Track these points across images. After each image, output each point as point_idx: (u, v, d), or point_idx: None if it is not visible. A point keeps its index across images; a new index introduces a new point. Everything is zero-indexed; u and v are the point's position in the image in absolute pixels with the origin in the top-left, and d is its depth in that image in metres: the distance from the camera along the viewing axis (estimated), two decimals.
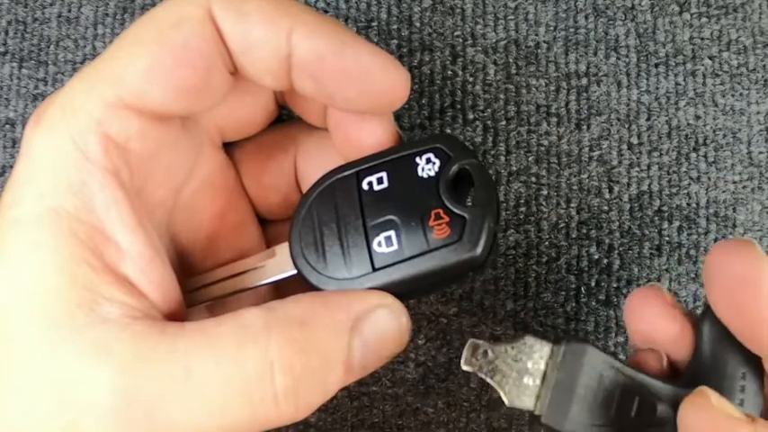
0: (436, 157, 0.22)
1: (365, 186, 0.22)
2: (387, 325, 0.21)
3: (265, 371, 0.19)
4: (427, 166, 0.22)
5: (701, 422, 0.19)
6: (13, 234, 0.20)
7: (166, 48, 0.20)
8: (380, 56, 0.21)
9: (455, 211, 0.21)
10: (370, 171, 0.22)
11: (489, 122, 0.31)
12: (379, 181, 0.22)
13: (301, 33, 0.21)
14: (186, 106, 0.21)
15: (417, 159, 0.22)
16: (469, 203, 0.21)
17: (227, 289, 0.24)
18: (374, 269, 0.21)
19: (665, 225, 0.31)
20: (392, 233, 0.21)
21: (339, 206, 0.22)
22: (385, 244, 0.21)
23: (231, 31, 0.21)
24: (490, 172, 0.22)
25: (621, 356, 0.30)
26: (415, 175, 0.22)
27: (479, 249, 0.21)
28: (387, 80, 0.21)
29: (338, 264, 0.22)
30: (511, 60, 0.32)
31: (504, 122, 0.31)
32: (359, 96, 0.21)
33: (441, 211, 0.21)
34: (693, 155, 0.31)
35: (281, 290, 0.24)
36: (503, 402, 0.22)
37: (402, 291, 0.21)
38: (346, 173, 0.22)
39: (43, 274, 0.19)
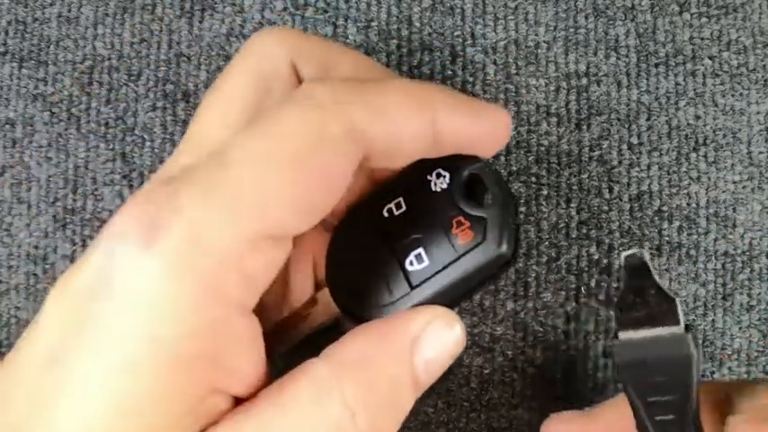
0: (445, 170, 0.22)
1: (386, 214, 0.23)
2: (443, 336, 0.21)
3: (345, 417, 0.19)
4: (438, 180, 0.22)
5: None
6: (116, 369, 0.18)
7: (313, 177, 0.19)
8: (498, 112, 0.22)
9: (474, 214, 0.22)
10: (388, 199, 0.23)
11: None
12: (398, 206, 0.23)
13: (444, 117, 0.21)
14: (315, 223, 0.20)
15: (428, 177, 0.22)
16: (486, 205, 0.22)
17: (279, 344, 0.24)
18: (412, 288, 0.22)
19: (665, 225, 0.31)
20: (421, 250, 0.22)
21: (366, 238, 0.23)
22: (416, 262, 0.22)
23: (378, 137, 0.20)
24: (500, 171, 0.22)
25: None
26: (429, 191, 0.22)
27: (505, 245, 0.21)
28: (505, 130, 0.22)
29: (378, 292, 0.22)
30: (511, 60, 0.32)
31: None
32: (484, 149, 0.22)
33: (461, 217, 0.22)
34: (693, 155, 0.31)
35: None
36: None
37: (444, 301, 0.22)
38: (366, 207, 0.23)
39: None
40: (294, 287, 0.25)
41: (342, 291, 0.23)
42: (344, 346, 0.21)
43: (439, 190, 0.22)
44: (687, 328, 0.22)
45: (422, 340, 0.21)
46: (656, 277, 0.22)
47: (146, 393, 0.17)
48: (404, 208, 0.23)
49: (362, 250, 0.23)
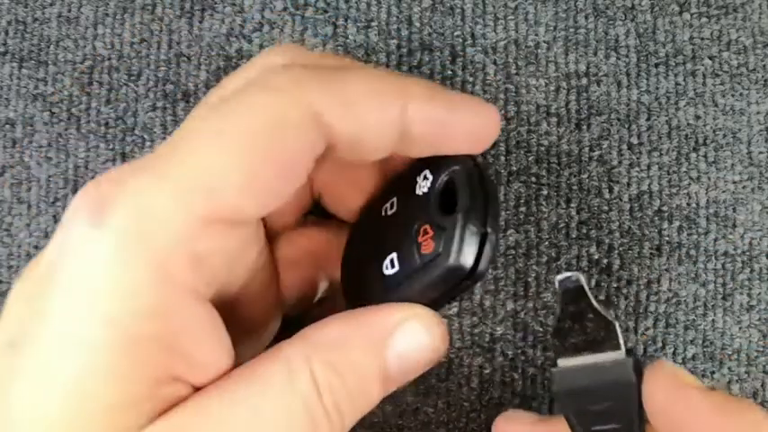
0: (431, 172, 0.21)
1: (383, 213, 0.22)
2: (419, 335, 0.21)
3: (314, 396, 0.19)
4: (423, 183, 0.21)
5: (664, 391, 0.19)
6: (72, 352, 0.17)
7: (267, 161, 0.18)
8: (482, 107, 0.21)
9: (438, 222, 0.20)
10: (385, 198, 0.22)
11: None
12: (392, 206, 0.22)
13: (416, 108, 0.20)
14: (272, 208, 0.20)
15: (417, 178, 0.22)
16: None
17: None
18: (385, 291, 0.21)
19: (665, 225, 0.31)
20: (394, 255, 0.21)
21: (368, 237, 0.23)
22: (390, 266, 0.21)
23: (339, 124, 0.19)
24: (489, 173, 0.22)
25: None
26: (413, 193, 0.22)
27: (462, 258, 0.20)
28: (492, 126, 0.21)
29: (370, 291, 0.22)
30: (511, 60, 0.32)
31: (503, 122, 0.31)
32: (467, 145, 0.21)
33: (427, 225, 0.21)
34: (693, 155, 0.31)
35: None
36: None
37: None
38: (373, 205, 0.23)
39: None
40: (288, 284, 0.25)
41: (348, 288, 0.23)
42: (320, 329, 0.20)
43: (421, 193, 0.21)
44: (628, 352, 0.21)
45: (396, 336, 0.20)
46: (593, 300, 0.21)
47: (101, 376, 0.17)
48: (395, 208, 0.22)
49: (363, 249, 0.23)
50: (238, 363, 0.20)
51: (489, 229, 0.20)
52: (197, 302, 0.19)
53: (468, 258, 0.20)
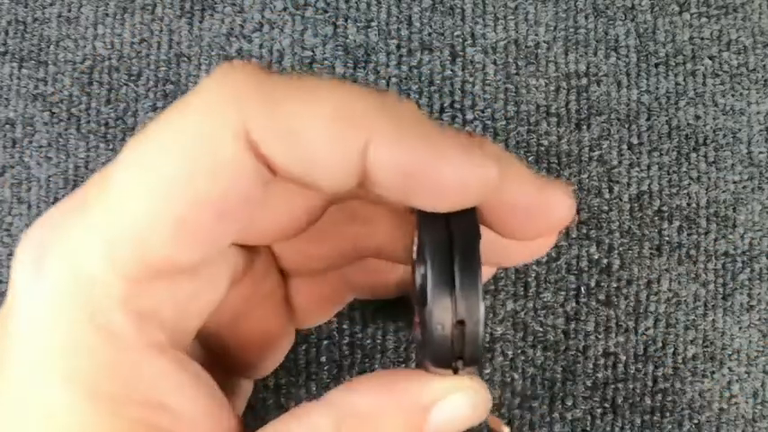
0: (417, 237, 0.19)
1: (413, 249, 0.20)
2: (462, 410, 0.19)
3: None
4: (414, 248, 0.20)
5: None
6: (34, 418, 0.16)
7: (196, 203, 0.16)
8: (472, 152, 0.16)
9: (419, 313, 0.18)
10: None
11: (489, 122, 0.31)
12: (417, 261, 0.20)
13: (380, 149, 0.16)
14: (217, 251, 0.18)
15: (415, 237, 0.19)
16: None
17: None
18: (418, 352, 0.20)
19: (665, 225, 0.31)
20: (416, 320, 0.20)
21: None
22: (417, 328, 0.20)
23: (282, 158, 0.16)
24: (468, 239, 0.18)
25: (622, 356, 0.30)
26: (411, 256, 0.20)
27: (433, 354, 0.18)
28: (486, 182, 0.17)
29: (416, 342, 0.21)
30: (510, 60, 0.32)
31: (503, 122, 0.31)
32: (446, 202, 0.17)
33: (417, 308, 0.19)
34: (693, 155, 0.31)
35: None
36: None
37: None
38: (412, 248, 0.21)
39: None
40: (302, 300, 0.24)
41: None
42: (351, 394, 0.18)
43: (414, 259, 0.19)
44: None
45: (436, 411, 0.18)
46: None
47: None
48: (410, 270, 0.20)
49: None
50: (248, 387, 0.19)
51: (463, 317, 0.17)
52: (157, 355, 0.17)
53: (443, 353, 0.18)
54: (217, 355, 0.22)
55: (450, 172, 0.16)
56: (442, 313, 0.17)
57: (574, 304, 0.30)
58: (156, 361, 0.17)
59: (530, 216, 0.18)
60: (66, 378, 0.16)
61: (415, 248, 0.19)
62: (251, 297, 0.22)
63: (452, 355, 0.18)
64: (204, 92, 0.16)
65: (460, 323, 0.17)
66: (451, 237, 0.17)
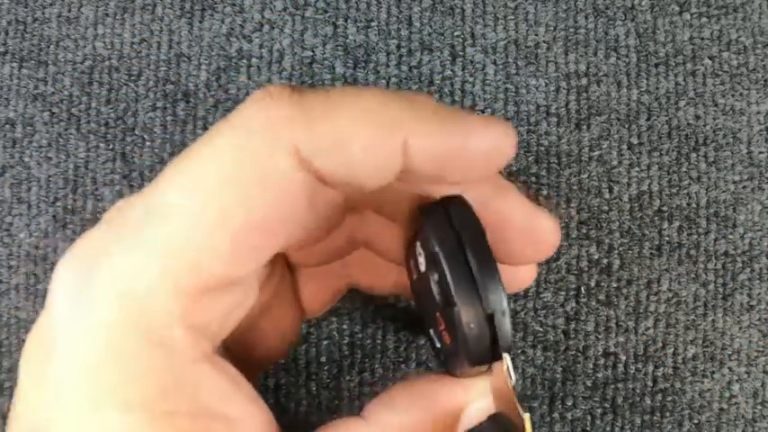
0: (421, 246, 0.19)
1: (412, 268, 0.20)
2: (487, 412, 0.20)
3: None
4: (420, 259, 0.20)
5: None
6: None
7: (250, 220, 0.17)
8: (495, 127, 0.18)
9: (444, 317, 0.19)
10: (411, 252, 0.20)
11: None
12: (416, 267, 0.20)
13: (416, 143, 0.17)
14: (266, 261, 0.18)
15: (417, 247, 0.20)
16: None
17: None
18: (443, 361, 0.20)
19: (665, 225, 0.31)
20: (432, 331, 0.20)
21: (415, 285, 0.21)
22: (436, 339, 0.20)
23: (328, 167, 0.17)
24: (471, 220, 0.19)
25: (622, 356, 0.30)
26: (419, 267, 0.20)
27: (470, 354, 0.18)
28: (508, 145, 0.19)
29: (434, 350, 0.21)
30: (510, 60, 0.32)
31: None
32: (477, 172, 0.19)
33: (438, 314, 0.19)
34: (693, 155, 0.31)
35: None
36: None
37: None
38: (406, 251, 0.21)
39: None
40: (310, 296, 0.24)
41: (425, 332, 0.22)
42: (388, 412, 0.19)
43: (422, 270, 0.20)
44: None
45: (466, 417, 0.19)
46: (514, 390, 0.19)
47: None
48: (415, 275, 0.20)
49: (418, 295, 0.21)
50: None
51: (492, 309, 0.18)
52: (208, 365, 0.18)
53: (479, 350, 0.18)
54: (234, 352, 0.23)
55: (476, 145, 0.18)
56: (471, 312, 0.18)
57: (574, 304, 0.30)
58: (207, 371, 0.18)
59: (524, 238, 0.19)
60: (124, 402, 0.16)
61: (421, 260, 0.19)
62: (272, 296, 0.22)
63: (489, 351, 0.18)
64: (248, 115, 0.17)
65: (489, 317, 0.18)
66: (459, 236, 0.18)
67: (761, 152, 0.31)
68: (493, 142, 0.18)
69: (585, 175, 0.31)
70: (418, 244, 0.20)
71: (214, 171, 0.17)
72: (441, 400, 0.19)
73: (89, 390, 0.16)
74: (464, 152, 0.18)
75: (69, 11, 0.33)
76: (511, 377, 0.18)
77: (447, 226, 0.18)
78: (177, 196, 0.17)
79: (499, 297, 0.18)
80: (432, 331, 0.21)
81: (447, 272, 0.18)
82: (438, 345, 0.20)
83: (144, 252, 0.17)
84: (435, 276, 0.19)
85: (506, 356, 0.18)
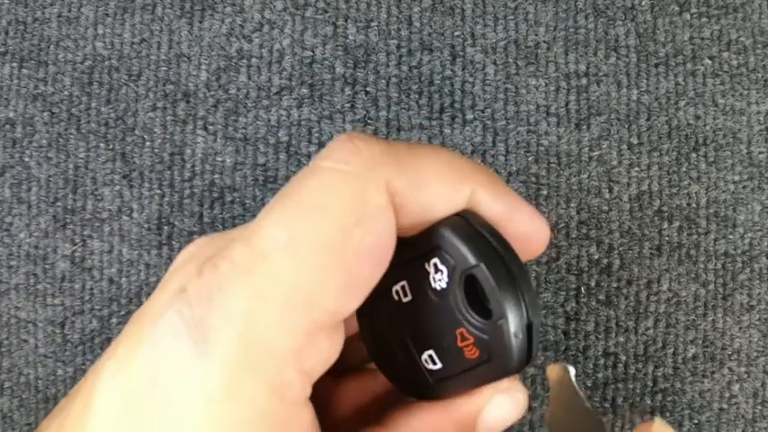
0: (442, 263, 0.20)
1: (395, 296, 0.21)
2: (506, 407, 0.21)
3: None
4: (437, 276, 0.20)
5: None
6: None
7: (360, 254, 0.17)
8: (537, 214, 0.21)
9: (476, 331, 0.19)
10: (393, 278, 0.20)
11: (489, 122, 0.31)
12: (404, 291, 0.20)
13: (482, 195, 0.19)
14: (363, 299, 0.19)
15: (427, 266, 0.20)
16: (490, 313, 0.19)
17: None
18: (436, 385, 0.21)
19: (665, 225, 0.31)
20: (432, 352, 0.20)
21: (385, 322, 0.21)
22: (430, 362, 0.21)
23: (410, 205, 0.18)
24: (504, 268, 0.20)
25: (622, 356, 0.30)
26: (429, 286, 0.20)
27: (512, 364, 0.19)
28: (542, 238, 0.21)
29: (415, 381, 0.21)
30: (510, 60, 0.32)
31: (503, 122, 0.31)
32: (517, 246, 0.20)
33: (464, 330, 0.19)
34: (693, 155, 0.31)
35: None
36: None
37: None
38: (380, 282, 0.21)
39: None
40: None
41: (387, 372, 0.22)
42: (410, 418, 0.20)
43: (439, 288, 0.20)
44: None
45: (485, 414, 0.20)
46: (584, 397, 0.20)
47: None
48: (409, 296, 0.20)
49: (389, 333, 0.21)
50: None
51: (532, 320, 0.19)
52: (307, 409, 0.18)
53: (520, 359, 0.19)
54: None
55: (523, 220, 0.20)
56: (518, 322, 0.19)
57: (574, 304, 0.30)
58: (306, 415, 0.18)
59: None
60: None
61: (439, 277, 0.20)
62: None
63: (527, 358, 0.19)
64: (340, 157, 0.18)
65: (529, 326, 0.19)
66: (496, 250, 0.19)
67: (761, 152, 0.31)
68: (534, 224, 0.20)
69: (585, 175, 0.31)
70: (434, 262, 0.20)
71: (317, 208, 0.17)
72: (457, 403, 0.20)
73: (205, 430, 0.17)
74: (513, 222, 0.20)
75: (69, 11, 0.33)
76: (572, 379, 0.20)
77: (480, 238, 0.19)
78: (284, 236, 0.17)
79: (538, 308, 0.19)
80: (429, 353, 0.21)
81: (494, 288, 0.18)
82: (434, 367, 0.20)
83: (258, 294, 0.17)
84: (460, 293, 0.19)
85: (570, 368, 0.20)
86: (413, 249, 0.20)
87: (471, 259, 0.19)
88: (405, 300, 0.20)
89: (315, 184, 0.18)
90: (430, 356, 0.20)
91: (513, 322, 0.18)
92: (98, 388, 0.18)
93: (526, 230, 0.20)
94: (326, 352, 0.18)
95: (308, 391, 0.18)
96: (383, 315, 0.20)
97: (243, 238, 0.18)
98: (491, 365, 0.19)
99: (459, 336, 0.20)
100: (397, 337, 0.21)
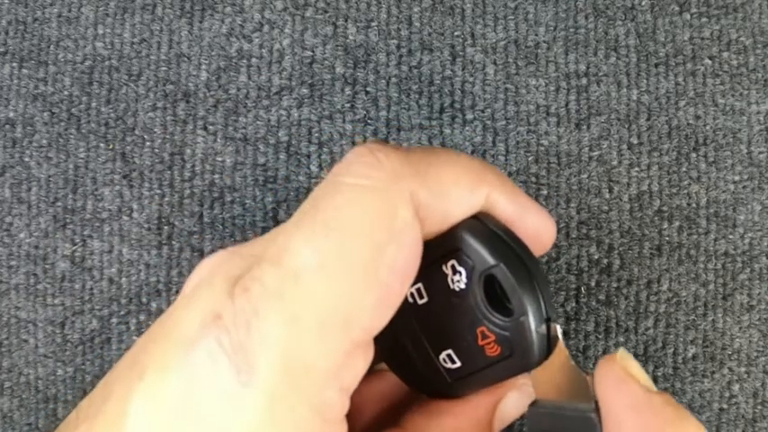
0: (460, 264, 0.20)
1: (410, 299, 0.21)
2: (518, 401, 0.21)
3: None
4: (455, 278, 0.20)
5: (609, 384, 0.20)
6: None
7: (393, 270, 0.18)
8: (545, 214, 0.21)
9: (497, 326, 0.20)
10: (436, 275, 0.21)
11: (489, 122, 0.31)
12: (420, 294, 0.21)
13: (497, 202, 0.20)
14: (394, 313, 0.19)
15: (444, 269, 0.20)
16: (510, 310, 0.20)
17: None
18: (455, 383, 0.21)
19: (665, 225, 0.31)
20: (451, 351, 0.21)
21: (406, 323, 0.21)
22: (449, 361, 0.21)
23: (432, 214, 0.19)
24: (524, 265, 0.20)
25: None
26: (447, 287, 0.20)
27: (534, 358, 0.20)
28: (549, 236, 0.21)
29: (431, 380, 0.22)
30: (510, 60, 0.32)
31: (503, 122, 0.31)
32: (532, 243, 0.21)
33: (485, 328, 0.20)
34: (693, 155, 0.31)
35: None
36: None
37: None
38: None
39: None
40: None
41: (396, 368, 0.22)
42: (429, 420, 0.21)
43: (457, 289, 0.20)
44: (596, 407, 0.21)
45: (500, 408, 0.21)
46: (567, 352, 0.21)
47: None
48: (425, 298, 0.21)
49: (400, 335, 0.21)
50: None
51: (550, 315, 0.20)
52: (344, 426, 0.18)
53: (541, 353, 0.20)
54: None
55: (533, 219, 0.21)
56: (538, 318, 0.19)
57: (574, 304, 0.30)
58: (345, 428, 0.18)
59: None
60: None
61: (458, 278, 0.20)
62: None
63: (546, 352, 0.20)
64: (360, 171, 0.18)
65: (547, 321, 0.19)
66: (514, 250, 0.20)
67: (761, 152, 0.31)
68: (542, 223, 0.21)
69: (585, 175, 0.31)
70: (452, 264, 0.20)
71: (347, 227, 0.17)
72: (475, 401, 0.21)
73: None
74: (524, 221, 0.20)
75: (69, 11, 0.33)
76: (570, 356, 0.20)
77: (497, 239, 0.20)
78: (314, 257, 0.17)
79: (553, 303, 0.19)
80: (448, 353, 0.21)
81: (514, 286, 0.19)
82: (453, 365, 0.21)
83: (294, 318, 0.17)
84: (480, 292, 0.20)
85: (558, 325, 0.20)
86: (428, 253, 0.20)
87: (491, 260, 0.19)
88: (420, 302, 0.21)
89: (341, 202, 0.18)
90: (448, 356, 0.21)
91: (534, 318, 0.19)
92: (130, 412, 0.17)
93: (536, 229, 0.21)
94: (362, 367, 0.18)
95: (347, 407, 0.18)
96: (396, 317, 0.20)
97: (270, 258, 0.18)
98: (512, 361, 0.20)
99: (479, 334, 0.20)
100: (412, 338, 0.21)
